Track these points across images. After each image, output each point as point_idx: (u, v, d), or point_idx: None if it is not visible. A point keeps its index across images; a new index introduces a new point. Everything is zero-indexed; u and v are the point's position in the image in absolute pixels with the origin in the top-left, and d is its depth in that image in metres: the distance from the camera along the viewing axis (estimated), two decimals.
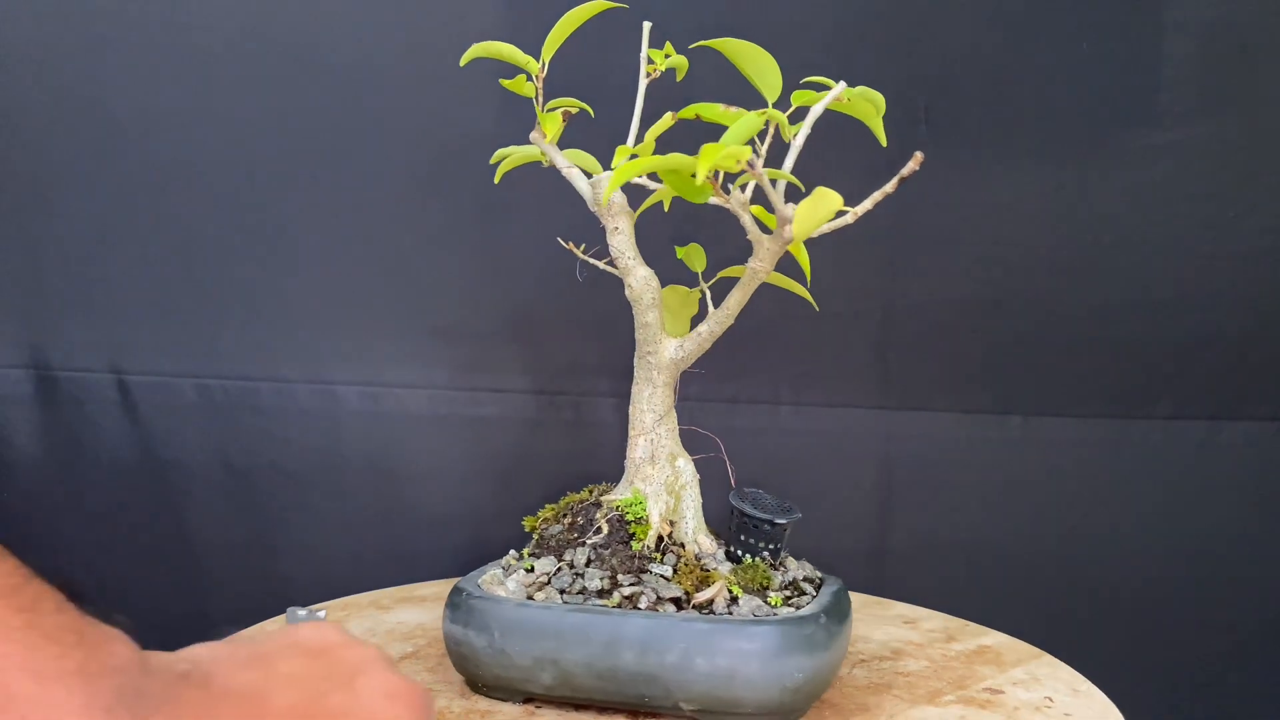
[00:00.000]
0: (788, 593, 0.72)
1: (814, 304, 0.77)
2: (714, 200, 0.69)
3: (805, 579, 0.75)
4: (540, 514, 0.81)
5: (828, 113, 0.67)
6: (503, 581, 0.73)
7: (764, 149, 0.64)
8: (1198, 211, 1.03)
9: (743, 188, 0.69)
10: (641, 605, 0.69)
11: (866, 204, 0.64)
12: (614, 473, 0.79)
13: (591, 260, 0.81)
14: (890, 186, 0.63)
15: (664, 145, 0.73)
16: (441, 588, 1.00)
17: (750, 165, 0.63)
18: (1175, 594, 1.11)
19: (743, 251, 0.78)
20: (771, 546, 0.74)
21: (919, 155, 0.61)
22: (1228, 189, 1.02)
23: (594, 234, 0.78)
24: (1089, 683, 0.77)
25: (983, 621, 0.89)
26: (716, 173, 0.67)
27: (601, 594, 0.70)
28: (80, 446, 1.13)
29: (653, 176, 0.79)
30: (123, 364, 1.12)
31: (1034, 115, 1.02)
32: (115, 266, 1.11)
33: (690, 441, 0.77)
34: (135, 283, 1.11)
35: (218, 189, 1.10)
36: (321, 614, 0.88)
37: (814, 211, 0.61)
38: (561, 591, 0.71)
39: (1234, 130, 1.02)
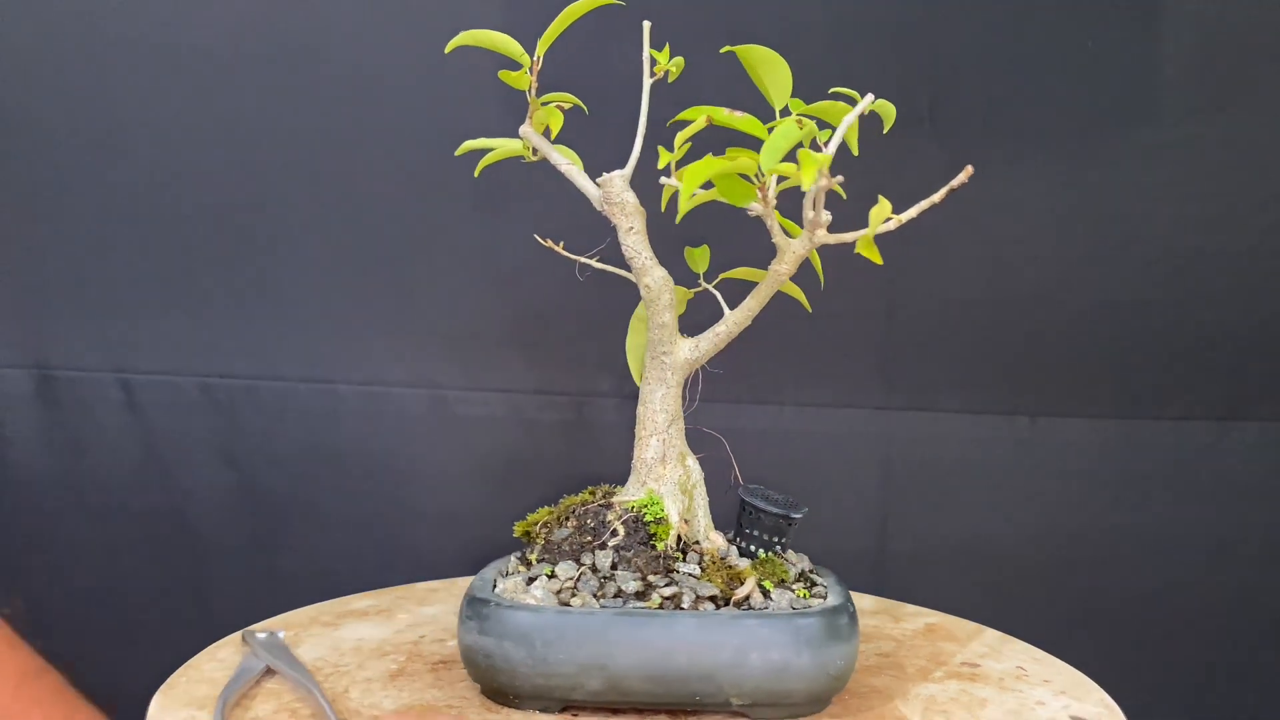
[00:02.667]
0: (802, 584, 0.75)
1: (807, 306, 0.80)
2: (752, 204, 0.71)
3: (810, 570, 0.78)
4: (531, 518, 0.79)
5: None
6: (526, 589, 0.71)
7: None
8: (1205, 209, 1.05)
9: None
10: (684, 605, 0.69)
11: (912, 211, 0.67)
12: (616, 474, 0.79)
13: (581, 260, 0.80)
14: (938, 197, 0.66)
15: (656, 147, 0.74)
16: (378, 599, 0.95)
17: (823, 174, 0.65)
18: (1185, 596, 1.12)
19: (732, 254, 0.80)
20: (782, 541, 0.76)
21: (969, 169, 0.65)
22: (1235, 187, 1.05)
23: (592, 233, 0.78)
24: (1044, 652, 0.85)
25: (991, 624, 0.91)
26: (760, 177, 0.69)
27: (639, 596, 0.70)
28: (82, 446, 1.10)
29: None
30: (125, 363, 1.10)
31: (1038, 113, 1.05)
32: (118, 265, 1.07)
33: (691, 440, 0.78)
34: (138, 282, 1.08)
35: (220, 188, 1.07)
36: (281, 634, 0.82)
37: (877, 217, 0.64)
38: (595, 596, 0.70)
39: (1241, 127, 1.04)
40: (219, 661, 0.78)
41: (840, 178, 0.63)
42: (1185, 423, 1.09)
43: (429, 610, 0.92)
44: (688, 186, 0.64)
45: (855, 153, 0.75)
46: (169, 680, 0.74)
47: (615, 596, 0.70)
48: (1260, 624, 1.13)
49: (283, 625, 0.87)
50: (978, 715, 0.71)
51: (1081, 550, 1.12)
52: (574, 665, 0.67)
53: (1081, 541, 1.12)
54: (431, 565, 1.01)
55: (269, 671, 0.76)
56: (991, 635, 0.89)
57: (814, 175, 0.60)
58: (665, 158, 0.70)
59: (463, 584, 0.99)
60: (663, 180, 0.74)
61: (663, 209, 0.79)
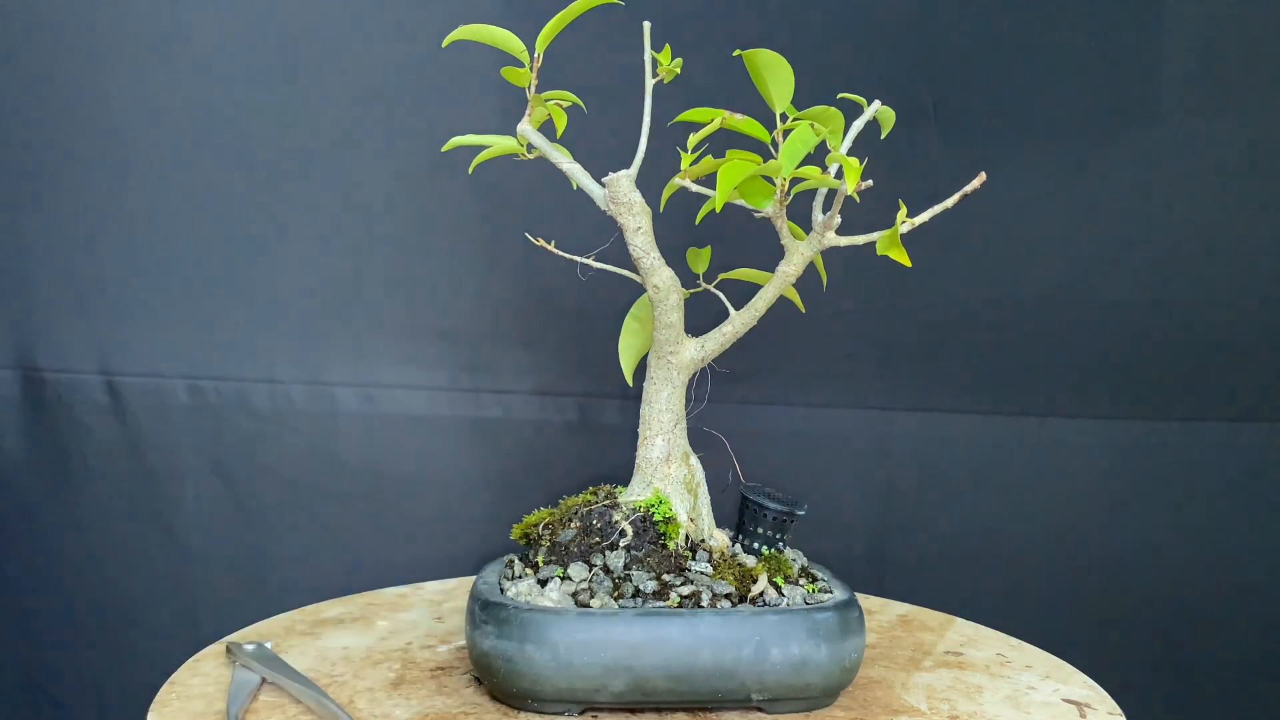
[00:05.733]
0: (807, 580, 0.76)
1: (801, 307, 0.81)
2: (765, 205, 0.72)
3: (807, 566, 0.79)
4: (529, 520, 0.79)
5: None
6: (541, 592, 0.71)
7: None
8: (1210, 209, 1.05)
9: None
10: (704, 604, 0.70)
11: (924, 216, 0.69)
12: (617, 474, 0.79)
13: (581, 260, 0.79)
14: (951, 202, 0.68)
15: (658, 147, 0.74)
16: (347, 606, 0.93)
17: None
18: (1194, 598, 1.11)
19: (723, 255, 0.81)
20: (783, 538, 0.78)
21: (983, 175, 0.67)
22: (1241, 186, 1.05)
23: (594, 233, 0.78)
24: (1018, 639, 0.88)
25: (998, 626, 0.91)
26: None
27: (656, 596, 0.70)
28: (69, 449, 1.07)
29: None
30: (113, 365, 1.07)
31: (1041, 113, 1.05)
32: (105, 264, 1.05)
33: (692, 440, 0.79)
34: (126, 281, 1.05)
35: (211, 187, 1.04)
36: (268, 645, 0.80)
37: (898, 222, 0.66)
38: (611, 597, 0.70)
39: (1246, 128, 1.04)
40: (205, 676, 0.75)
41: (870, 182, 0.65)
42: (1193, 423, 1.09)
43: (407, 616, 0.90)
44: (723, 188, 0.64)
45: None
46: (158, 698, 0.71)
47: (634, 597, 0.70)
48: (1269, 624, 1.13)
49: (257, 635, 0.84)
50: (978, 702, 0.74)
51: (1088, 551, 1.12)
52: (599, 667, 0.67)
53: (1088, 543, 1.12)
54: (430, 571, 0.99)
55: (262, 683, 0.73)
56: (964, 624, 0.92)
57: (856, 181, 0.61)
58: (687, 159, 0.71)
59: (430, 588, 0.98)
60: (676, 180, 0.75)
61: (661, 209, 0.79)
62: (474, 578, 0.75)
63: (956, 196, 0.68)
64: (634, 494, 0.76)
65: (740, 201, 0.74)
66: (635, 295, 0.80)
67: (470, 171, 0.79)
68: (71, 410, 1.07)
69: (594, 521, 0.75)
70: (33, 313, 1.07)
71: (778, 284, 0.74)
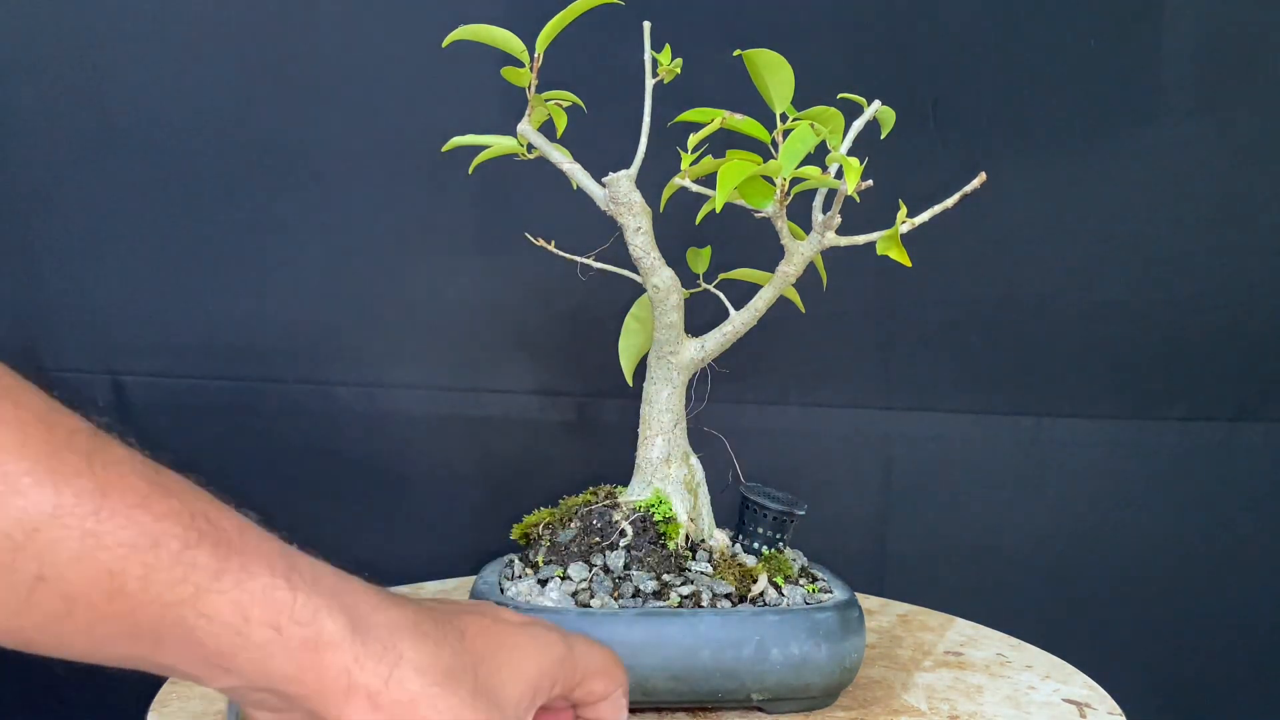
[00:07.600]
0: (806, 580, 0.76)
1: (801, 306, 0.81)
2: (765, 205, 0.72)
3: (807, 566, 0.79)
4: (529, 519, 0.79)
5: None
6: (541, 592, 0.71)
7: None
8: (1209, 209, 1.05)
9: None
10: (704, 604, 0.70)
11: (924, 216, 0.69)
12: (616, 474, 0.79)
13: (581, 260, 0.80)
14: (951, 202, 0.68)
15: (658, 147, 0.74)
16: None
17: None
18: (1193, 599, 1.12)
19: (722, 255, 0.81)
20: (783, 538, 0.78)
21: (983, 175, 0.67)
22: (1239, 186, 1.05)
23: (594, 233, 0.78)
24: (1017, 639, 0.88)
25: (995, 626, 0.91)
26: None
27: (656, 595, 0.70)
28: None
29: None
30: (117, 365, 1.07)
31: (1041, 113, 1.05)
32: (109, 265, 1.05)
33: (692, 440, 0.79)
34: (130, 281, 1.05)
35: (214, 187, 1.04)
36: None
37: (898, 222, 0.66)
38: (611, 596, 0.70)
39: (1247, 125, 1.04)
40: None
41: (870, 181, 0.65)
42: (1191, 423, 1.09)
43: None
44: (723, 188, 0.64)
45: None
46: (158, 697, 0.71)
47: (634, 596, 0.70)
48: (1269, 624, 1.13)
49: None
50: (978, 702, 0.74)
51: (1087, 552, 1.12)
52: None
53: (1087, 543, 1.12)
54: (430, 570, 0.99)
55: None
56: (963, 624, 0.92)
57: (856, 181, 0.61)
58: (687, 160, 0.71)
59: (430, 588, 0.98)
60: (676, 180, 0.75)
61: (661, 209, 0.79)
62: (474, 578, 0.75)
63: (956, 196, 0.68)
64: (634, 494, 0.76)
65: (740, 201, 0.74)
66: (635, 295, 0.80)
67: (470, 172, 0.79)
68: (77, 410, 1.07)
69: (594, 521, 0.75)
70: (38, 313, 1.07)
71: (778, 284, 0.74)
